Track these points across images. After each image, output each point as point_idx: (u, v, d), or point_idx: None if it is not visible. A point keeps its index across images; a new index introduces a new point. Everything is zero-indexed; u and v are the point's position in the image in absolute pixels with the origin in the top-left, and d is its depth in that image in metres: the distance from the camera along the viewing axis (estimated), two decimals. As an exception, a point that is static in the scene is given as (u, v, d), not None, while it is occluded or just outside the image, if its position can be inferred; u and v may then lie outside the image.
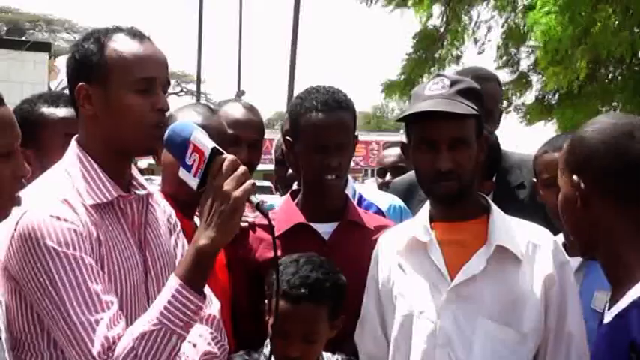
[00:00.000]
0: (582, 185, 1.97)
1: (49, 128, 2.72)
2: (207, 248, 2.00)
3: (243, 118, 3.07)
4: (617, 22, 9.50)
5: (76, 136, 2.19)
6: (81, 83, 2.11)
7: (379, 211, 3.10)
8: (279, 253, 2.56)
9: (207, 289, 2.21)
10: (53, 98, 2.85)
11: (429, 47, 12.69)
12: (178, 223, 2.35)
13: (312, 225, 2.70)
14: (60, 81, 28.09)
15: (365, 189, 3.46)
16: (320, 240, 2.67)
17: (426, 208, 2.53)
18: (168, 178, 2.60)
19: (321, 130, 2.65)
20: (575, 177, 1.97)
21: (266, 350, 2.42)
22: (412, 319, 2.41)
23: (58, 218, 1.99)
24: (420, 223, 2.49)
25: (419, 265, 2.43)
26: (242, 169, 2.00)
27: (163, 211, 2.31)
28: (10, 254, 2.00)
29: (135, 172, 2.23)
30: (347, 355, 2.54)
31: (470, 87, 2.45)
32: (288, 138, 2.81)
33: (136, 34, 2.15)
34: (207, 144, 2.02)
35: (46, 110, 2.77)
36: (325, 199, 2.73)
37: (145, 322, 1.98)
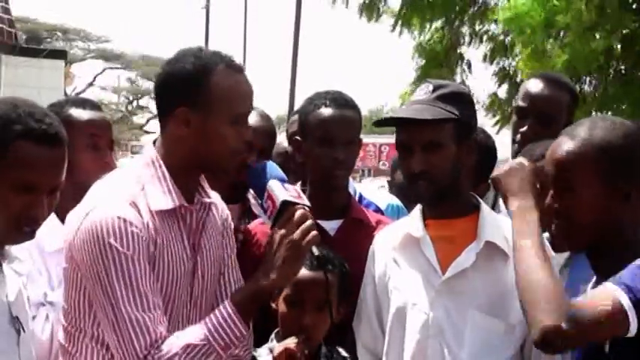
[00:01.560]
0: (630, 190, 1.99)
1: (75, 128, 2.74)
2: (266, 288, 2.11)
3: (256, 126, 3.07)
4: (590, 20, 9.21)
5: (154, 142, 2.23)
6: (182, 108, 2.13)
7: (378, 210, 3.12)
8: None
9: None
10: (80, 101, 2.91)
11: (433, 63, 12.67)
12: (232, 226, 2.39)
13: (319, 222, 2.71)
14: (74, 87, 28.06)
15: (364, 188, 3.48)
16: (326, 236, 2.68)
17: (419, 206, 2.53)
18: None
19: (329, 124, 2.68)
20: (625, 185, 1.98)
21: (271, 344, 2.44)
22: (406, 311, 2.43)
23: (125, 220, 2.05)
24: (413, 221, 2.51)
25: (412, 260, 2.45)
26: (309, 222, 2.12)
27: (221, 215, 2.34)
28: (75, 241, 2.07)
29: (203, 180, 2.28)
30: (347, 353, 2.55)
31: (452, 92, 2.45)
32: (297, 138, 2.82)
33: (237, 68, 2.20)
34: (279, 195, 2.17)
35: (74, 112, 2.81)
36: (331, 196, 2.74)
37: (194, 335, 2.06)
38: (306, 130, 2.75)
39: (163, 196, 2.14)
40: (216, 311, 2.11)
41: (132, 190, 2.13)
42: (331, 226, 2.73)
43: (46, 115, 2.00)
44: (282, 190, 2.19)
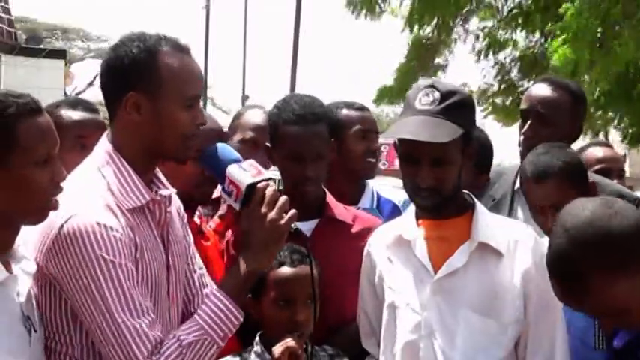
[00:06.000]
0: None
1: (63, 129, 2.76)
2: (255, 272, 2.15)
3: (263, 124, 3.09)
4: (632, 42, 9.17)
5: (107, 135, 2.18)
6: (131, 92, 2.08)
7: (395, 207, 3.20)
8: None
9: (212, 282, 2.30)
10: (73, 102, 2.93)
11: (421, 56, 12.65)
12: (185, 216, 2.37)
13: (296, 223, 2.73)
14: (75, 86, 28.04)
15: (381, 187, 3.49)
16: (302, 236, 2.69)
17: (413, 206, 2.54)
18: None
19: (298, 142, 2.67)
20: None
21: (257, 347, 2.45)
22: (399, 311, 2.43)
23: (105, 226, 2.00)
24: (405, 222, 2.52)
25: (405, 259, 2.45)
26: (283, 198, 2.10)
27: (178, 206, 2.33)
28: (51, 253, 2.01)
29: (157, 170, 2.25)
30: (334, 349, 2.56)
31: (459, 100, 2.38)
32: (267, 145, 2.81)
33: (183, 49, 2.14)
34: (242, 180, 2.14)
35: (64, 113, 2.83)
36: (304, 201, 2.73)
37: (193, 332, 2.07)
38: (276, 141, 2.74)
39: (132, 194, 2.10)
40: (210, 303, 2.11)
41: (100, 190, 2.07)
42: (307, 226, 2.70)
43: (9, 92, 1.98)
44: (243, 173, 2.16)
